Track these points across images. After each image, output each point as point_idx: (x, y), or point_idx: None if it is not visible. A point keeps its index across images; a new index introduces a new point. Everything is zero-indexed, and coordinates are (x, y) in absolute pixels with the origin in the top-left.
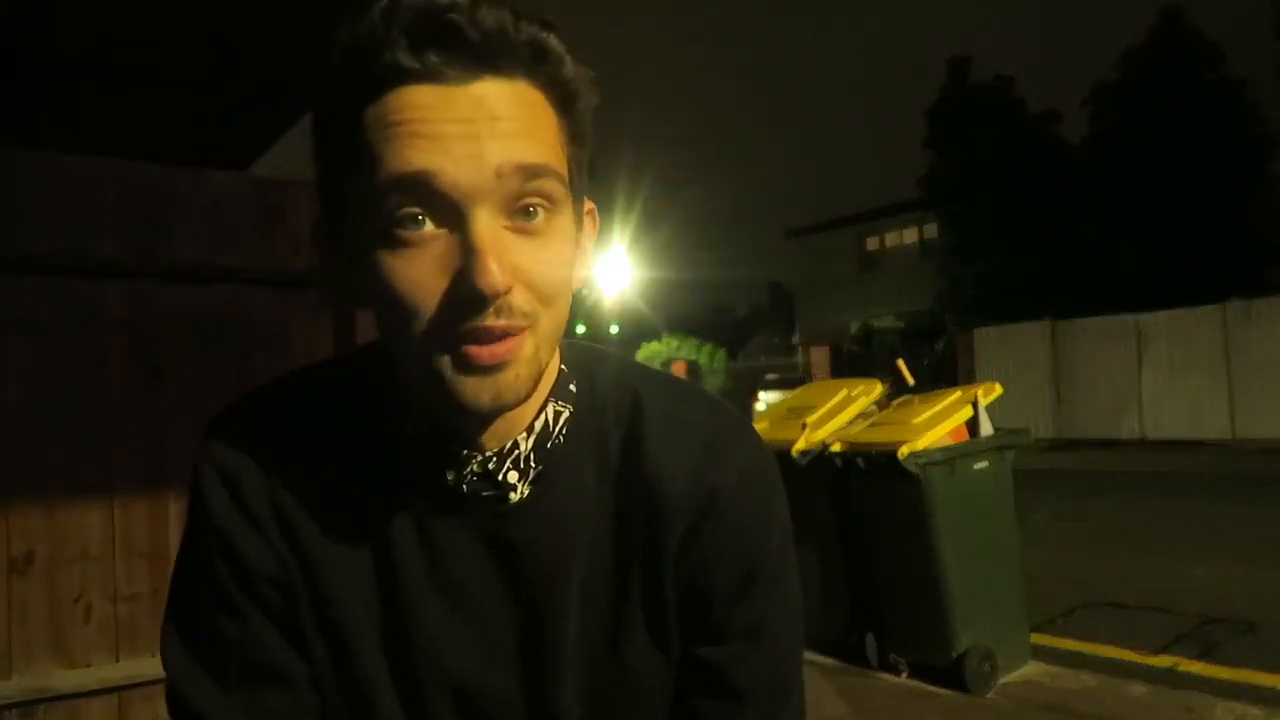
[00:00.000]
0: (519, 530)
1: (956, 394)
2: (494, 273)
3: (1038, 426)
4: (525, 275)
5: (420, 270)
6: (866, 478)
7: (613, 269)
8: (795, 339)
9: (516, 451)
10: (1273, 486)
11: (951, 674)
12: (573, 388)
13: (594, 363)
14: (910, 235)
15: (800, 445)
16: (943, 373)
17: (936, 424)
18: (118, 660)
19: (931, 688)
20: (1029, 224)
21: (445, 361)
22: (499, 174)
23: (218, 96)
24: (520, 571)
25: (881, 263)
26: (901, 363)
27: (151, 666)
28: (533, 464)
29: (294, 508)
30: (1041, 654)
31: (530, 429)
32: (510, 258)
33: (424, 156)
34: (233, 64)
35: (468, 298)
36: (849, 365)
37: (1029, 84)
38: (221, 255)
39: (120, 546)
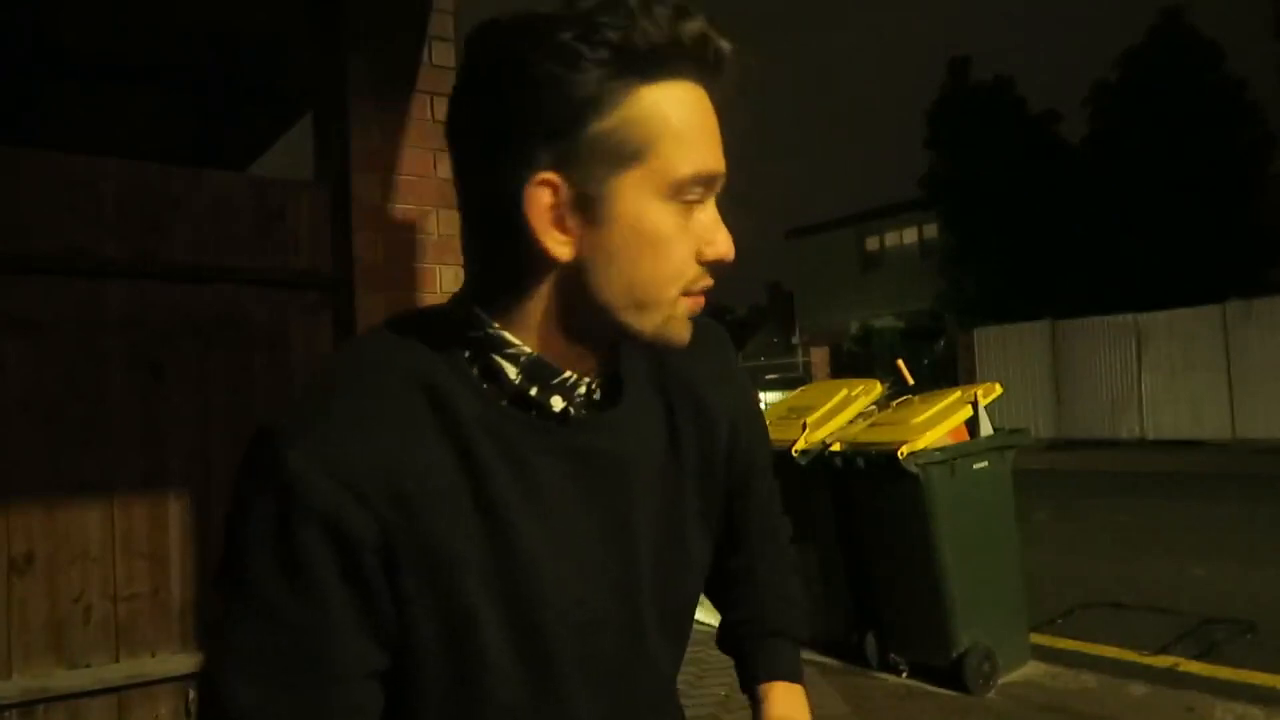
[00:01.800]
0: (599, 441)
1: (956, 394)
2: (731, 245)
3: (1038, 426)
4: None
5: (685, 234)
6: (866, 478)
7: None
8: (795, 339)
9: (610, 371)
10: (1273, 486)
11: (951, 674)
12: None
13: None
14: (910, 235)
15: (800, 445)
16: (943, 373)
17: (936, 424)
18: (118, 660)
19: (931, 688)
20: (1029, 224)
21: (684, 305)
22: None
23: (218, 96)
24: (601, 481)
25: (881, 263)
26: (901, 363)
27: (151, 666)
28: (613, 379)
29: (393, 465)
30: (1041, 654)
31: (614, 348)
32: None
33: (717, 159)
34: (233, 64)
35: (715, 260)
36: (849, 365)
37: (1029, 84)
38: (221, 255)
39: (120, 546)
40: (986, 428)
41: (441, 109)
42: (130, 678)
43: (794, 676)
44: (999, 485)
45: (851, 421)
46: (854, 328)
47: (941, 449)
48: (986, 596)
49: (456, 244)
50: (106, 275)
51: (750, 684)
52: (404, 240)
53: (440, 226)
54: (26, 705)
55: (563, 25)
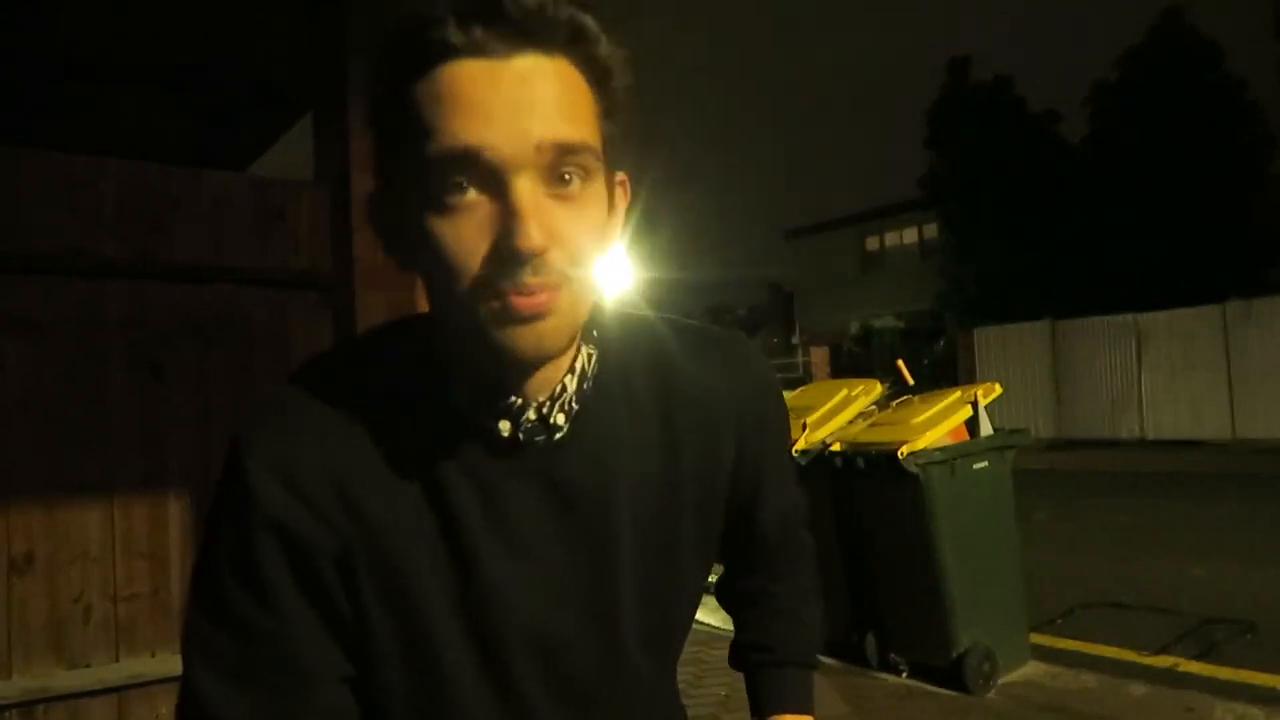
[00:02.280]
0: (567, 468)
1: (956, 394)
2: (533, 234)
3: (1038, 426)
4: (561, 237)
5: (468, 233)
6: (866, 478)
7: (613, 269)
8: (795, 339)
9: (564, 394)
10: (1273, 486)
11: (951, 674)
12: (595, 332)
13: (607, 310)
14: (910, 235)
15: (800, 445)
16: (943, 373)
17: (936, 424)
18: (118, 660)
19: (931, 688)
20: (1029, 224)
21: (490, 313)
22: (539, 148)
23: (218, 96)
24: (572, 508)
25: (881, 263)
26: (901, 363)
27: (151, 666)
28: (573, 404)
29: (351, 479)
30: (1041, 654)
31: (572, 370)
32: (548, 221)
33: (472, 132)
34: (233, 64)
35: (510, 256)
36: (849, 365)
37: (1029, 84)
38: (221, 255)
39: (120, 546)
40: (986, 428)
41: None
42: (130, 678)
43: (803, 708)
44: (999, 485)
45: (851, 421)
46: (854, 328)
47: (941, 449)
48: (986, 596)
49: None
50: (106, 275)
51: (759, 713)
52: None
53: None
54: (26, 705)
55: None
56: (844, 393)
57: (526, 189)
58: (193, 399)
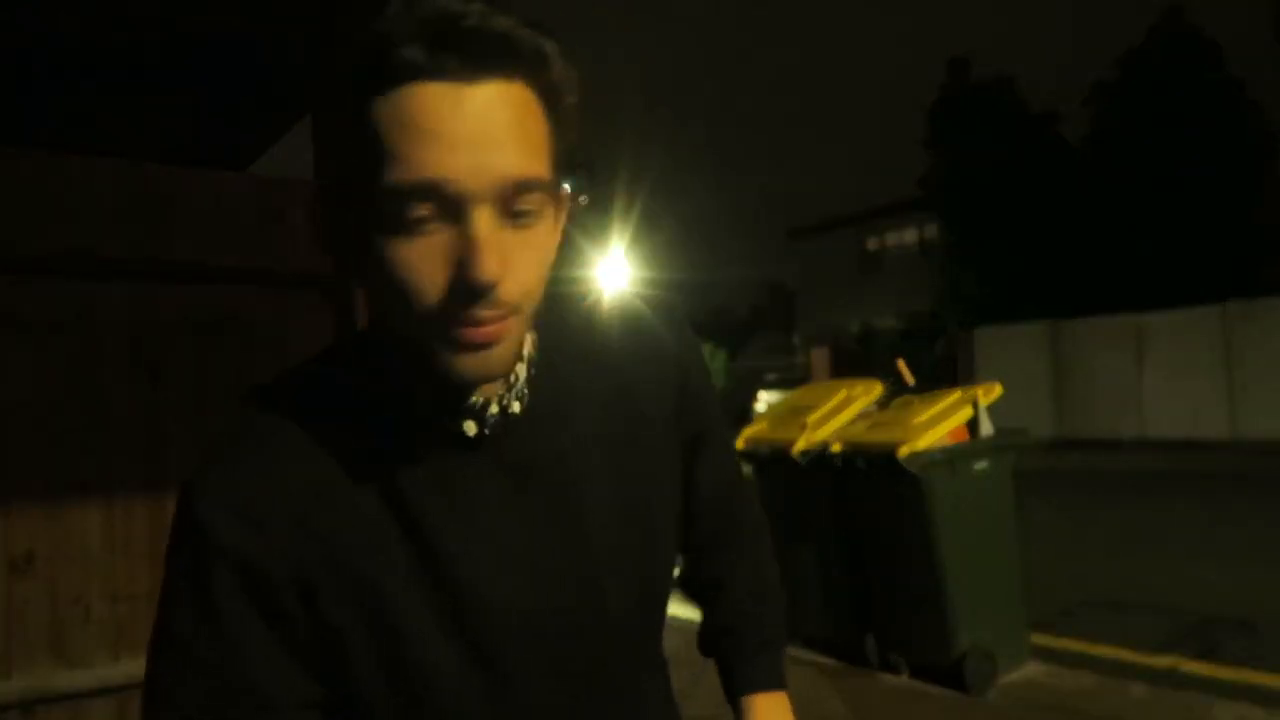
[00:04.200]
0: (524, 448)
1: (956, 394)
2: (492, 267)
3: (1038, 427)
4: (514, 268)
5: (423, 260)
6: (866, 478)
7: (612, 269)
8: (795, 339)
9: (517, 383)
10: (1273, 486)
11: (951, 674)
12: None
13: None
14: (910, 235)
15: (800, 445)
16: (943, 373)
17: (936, 424)
18: (118, 660)
19: (931, 688)
20: (1029, 224)
21: (440, 341)
22: (500, 183)
23: (218, 96)
24: (534, 486)
25: (881, 263)
26: (901, 363)
27: None
28: (525, 389)
29: (307, 498)
30: (1041, 654)
31: (520, 358)
32: (503, 252)
33: (435, 163)
34: (233, 64)
35: (467, 287)
36: (849, 365)
37: (1029, 84)
38: (221, 255)
39: (120, 546)
40: (987, 428)
41: None
42: (131, 678)
43: (776, 684)
44: (999, 485)
45: (852, 421)
46: (854, 328)
47: (942, 449)
48: (986, 596)
49: None
50: (106, 275)
51: (734, 696)
52: None
53: None
54: (27, 705)
55: None
56: (844, 393)
57: (485, 222)
58: (193, 399)
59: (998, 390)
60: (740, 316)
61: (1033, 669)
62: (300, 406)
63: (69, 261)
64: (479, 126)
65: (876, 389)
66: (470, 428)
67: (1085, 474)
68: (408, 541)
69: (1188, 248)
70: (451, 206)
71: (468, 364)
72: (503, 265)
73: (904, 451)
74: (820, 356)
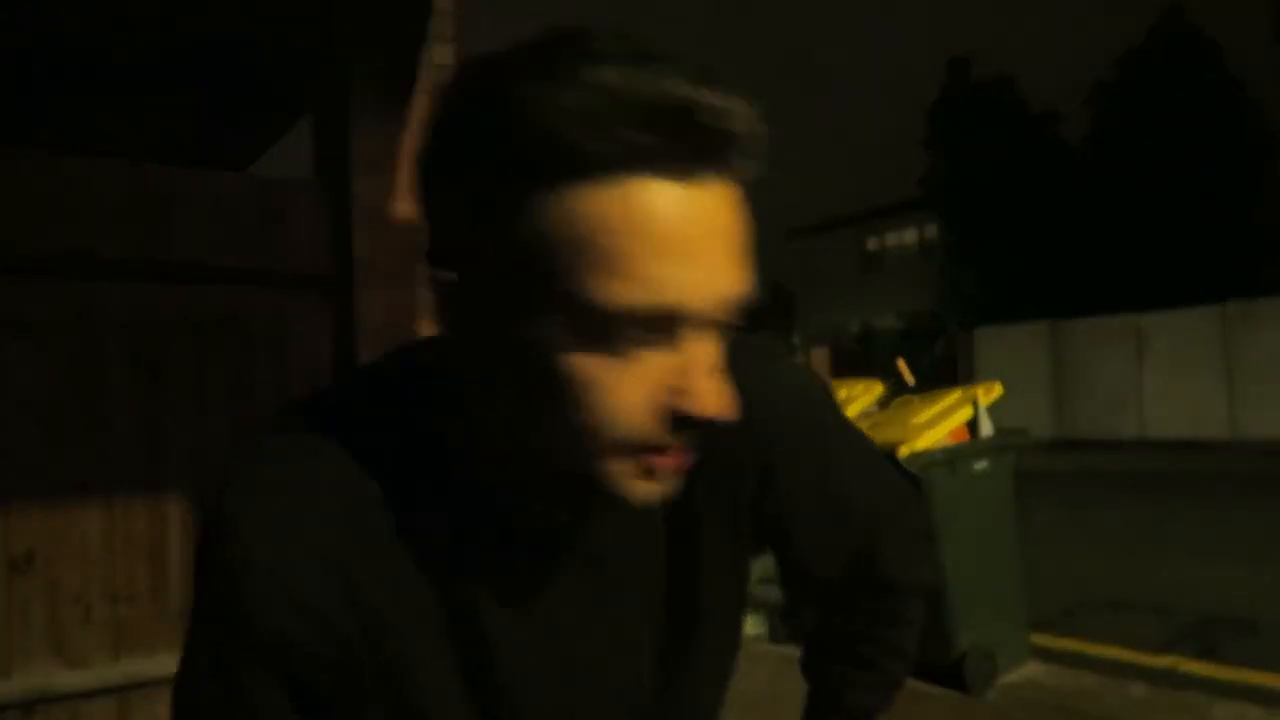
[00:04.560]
0: (597, 535)
1: (957, 394)
2: (724, 399)
3: (1038, 427)
4: None
5: (631, 384)
6: None
7: None
8: (795, 339)
9: None
10: (1273, 486)
11: (951, 674)
12: None
13: None
14: (910, 235)
15: None
16: (943, 373)
17: (937, 424)
18: (118, 660)
19: (931, 688)
20: (1029, 224)
21: (626, 469)
22: (733, 303)
23: (218, 96)
24: (597, 582)
25: (881, 263)
26: (902, 363)
27: (152, 666)
28: None
29: (354, 563)
30: (1041, 654)
31: None
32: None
33: (677, 283)
34: (233, 64)
35: (688, 419)
36: (849, 365)
37: (1029, 84)
38: (221, 255)
39: (120, 546)
40: (987, 428)
41: None
42: (131, 678)
43: None
44: (999, 486)
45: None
46: (854, 328)
47: (942, 449)
48: (986, 596)
49: None
50: (106, 275)
51: None
52: (404, 240)
53: None
54: (27, 705)
55: None
56: (844, 393)
57: (714, 347)
58: (193, 399)
59: (998, 390)
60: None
61: (1033, 669)
62: (352, 446)
63: (69, 261)
64: (719, 239)
65: (876, 389)
66: (563, 517)
67: (1085, 474)
68: (452, 629)
69: (1188, 248)
70: (675, 330)
71: (651, 491)
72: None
73: (904, 451)
74: (820, 356)
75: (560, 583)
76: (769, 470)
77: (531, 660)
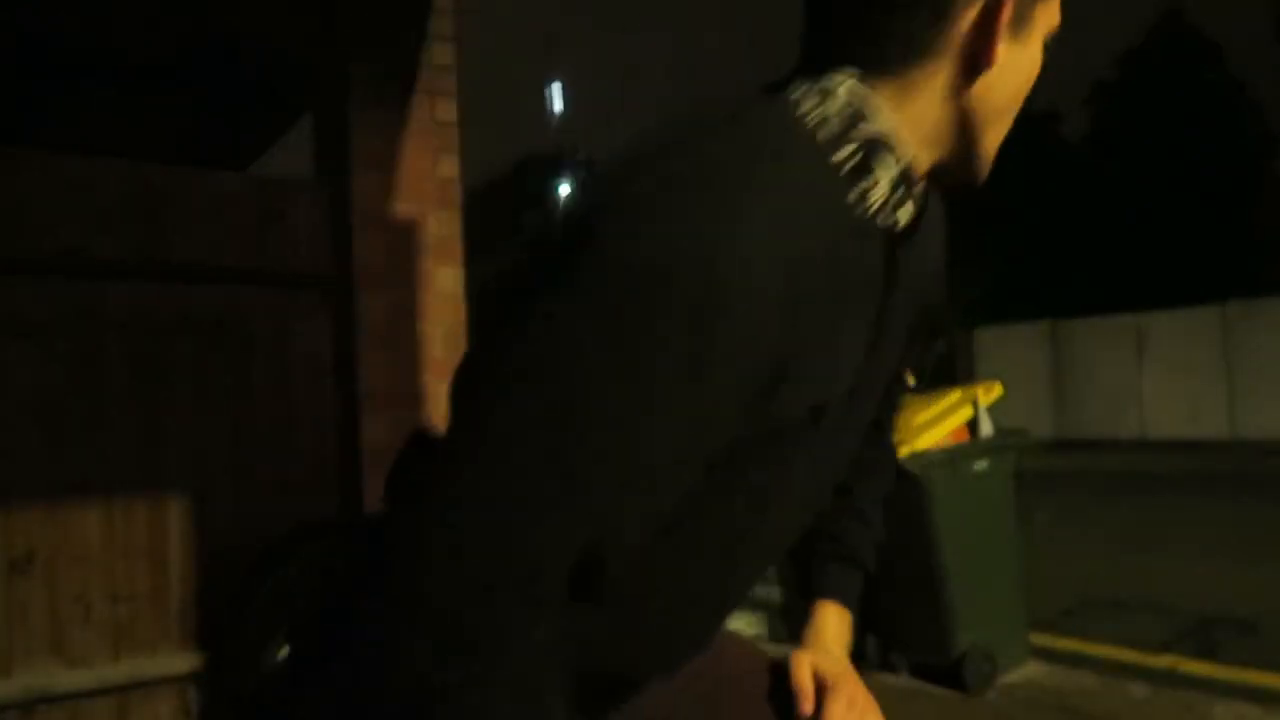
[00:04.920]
0: (914, 265)
1: (957, 394)
2: None
3: (1038, 427)
4: None
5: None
6: None
7: None
8: None
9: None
10: (1273, 486)
11: (951, 674)
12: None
13: None
14: None
15: None
16: (943, 373)
17: (937, 424)
18: (118, 660)
19: (931, 688)
20: (1029, 224)
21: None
22: None
23: (218, 96)
24: (900, 314)
25: None
26: None
27: (152, 666)
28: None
29: (811, 272)
30: (1041, 654)
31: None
32: None
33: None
34: (233, 64)
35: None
36: None
37: None
38: (221, 255)
39: (120, 546)
40: (987, 428)
41: (442, 109)
42: (130, 678)
43: (850, 604)
44: (1000, 486)
45: None
46: None
47: (942, 450)
48: (986, 596)
49: (456, 244)
50: (106, 275)
51: (809, 596)
52: (404, 240)
53: (440, 226)
54: (27, 705)
55: None
56: None
57: None
58: (193, 399)
59: (998, 390)
60: None
61: (1033, 669)
62: (787, 171)
63: (69, 261)
64: None
65: None
66: (904, 216)
67: (1085, 474)
68: (840, 360)
69: (1188, 247)
70: None
71: None
72: None
73: (904, 452)
74: None
75: (892, 310)
76: (938, 276)
77: (869, 367)
